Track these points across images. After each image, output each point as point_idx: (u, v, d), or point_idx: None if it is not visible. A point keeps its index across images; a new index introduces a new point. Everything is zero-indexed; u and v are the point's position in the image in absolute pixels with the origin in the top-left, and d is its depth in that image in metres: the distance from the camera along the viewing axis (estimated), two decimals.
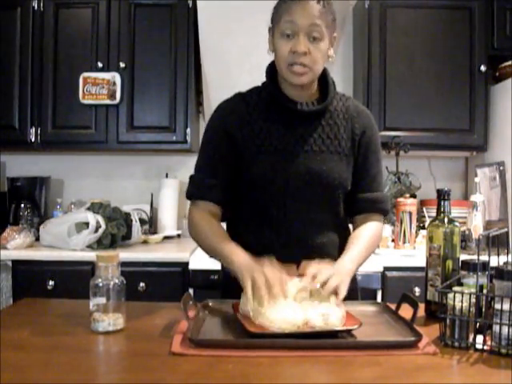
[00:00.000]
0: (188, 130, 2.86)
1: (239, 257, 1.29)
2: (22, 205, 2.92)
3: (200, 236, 1.44)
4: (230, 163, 1.45)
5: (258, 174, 1.43)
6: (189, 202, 1.51)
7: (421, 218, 2.88)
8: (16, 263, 2.50)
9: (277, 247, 1.43)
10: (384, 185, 2.82)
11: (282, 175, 1.42)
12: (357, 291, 1.58)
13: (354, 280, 1.57)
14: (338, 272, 1.25)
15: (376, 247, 1.53)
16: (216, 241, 1.38)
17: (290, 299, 1.17)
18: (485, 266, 1.15)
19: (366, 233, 1.47)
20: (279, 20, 1.36)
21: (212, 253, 1.42)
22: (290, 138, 1.43)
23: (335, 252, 1.46)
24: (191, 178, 1.49)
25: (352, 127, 1.49)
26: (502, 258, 1.15)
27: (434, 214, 1.37)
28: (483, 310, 1.10)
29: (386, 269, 2.44)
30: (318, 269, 1.24)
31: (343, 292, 1.21)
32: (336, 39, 1.42)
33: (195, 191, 1.47)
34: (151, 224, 3.07)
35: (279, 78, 1.46)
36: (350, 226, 1.57)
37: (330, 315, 1.11)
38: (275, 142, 1.43)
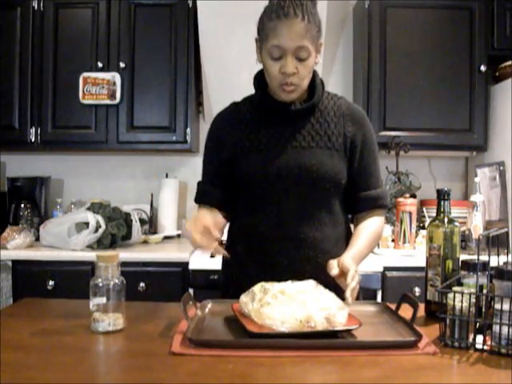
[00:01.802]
0: (188, 130, 2.86)
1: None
2: (22, 205, 2.93)
3: None
4: (227, 169, 1.51)
5: (249, 172, 1.46)
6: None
7: (421, 218, 2.88)
8: (16, 263, 2.50)
9: (271, 242, 1.45)
10: (384, 185, 2.85)
11: (272, 171, 1.44)
12: (359, 291, 1.58)
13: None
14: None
15: (378, 241, 1.57)
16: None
17: (290, 298, 1.17)
18: (485, 265, 1.15)
19: (368, 229, 1.50)
20: (266, 40, 1.38)
21: None
22: (279, 136, 1.47)
23: (331, 247, 1.47)
24: (197, 184, 1.59)
25: (344, 124, 1.50)
26: (502, 258, 1.15)
27: (433, 214, 1.37)
28: (483, 310, 1.10)
29: (386, 269, 2.44)
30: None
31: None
32: (322, 45, 1.44)
33: (199, 197, 1.58)
34: (151, 224, 3.07)
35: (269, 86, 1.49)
36: (351, 225, 1.57)
37: (335, 315, 1.11)
38: (264, 140, 1.47)
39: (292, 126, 1.48)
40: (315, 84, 1.50)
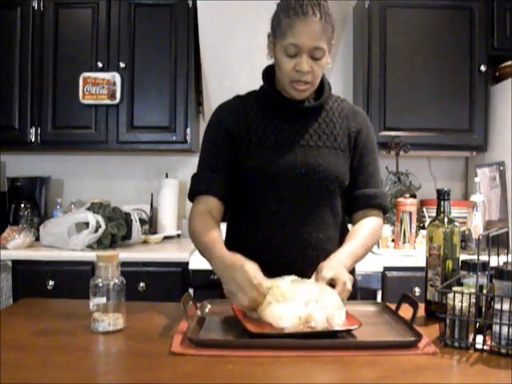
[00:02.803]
0: (188, 130, 2.86)
1: (218, 255, 1.28)
2: (22, 205, 2.92)
3: (193, 234, 1.43)
4: (230, 160, 1.47)
5: (255, 168, 1.45)
6: (188, 202, 1.52)
7: (421, 218, 2.88)
8: (16, 263, 2.50)
9: (274, 242, 1.44)
10: (384, 185, 2.85)
11: (278, 168, 1.43)
12: (356, 291, 1.58)
13: (353, 279, 1.58)
14: (335, 270, 1.26)
15: (375, 243, 1.53)
16: (203, 236, 1.38)
17: (291, 297, 1.17)
18: (485, 266, 1.15)
19: (364, 228, 1.48)
20: (282, 37, 1.37)
21: (199, 249, 1.41)
22: (286, 133, 1.46)
23: (334, 248, 1.46)
24: (193, 176, 1.51)
25: (348, 125, 1.52)
26: (502, 258, 1.15)
27: (433, 214, 1.37)
28: (483, 310, 1.10)
29: (386, 269, 2.44)
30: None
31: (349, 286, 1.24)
32: (333, 45, 1.45)
33: (197, 187, 1.48)
34: (151, 224, 3.07)
35: (276, 81, 1.48)
36: (349, 225, 1.57)
37: (333, 317, 1.11)
38: (272, 137, 1.46)
39: (299, 123, 1.48)
40: (323, 84, 1.50)
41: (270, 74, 1.50)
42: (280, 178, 1.44)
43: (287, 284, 1.20)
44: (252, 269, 1.18)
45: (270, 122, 1.47)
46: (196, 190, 1.48)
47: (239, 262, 1.20)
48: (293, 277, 1.24)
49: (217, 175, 1.46)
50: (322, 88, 1.51)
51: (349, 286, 1.24)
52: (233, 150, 1.47)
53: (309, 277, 1.27)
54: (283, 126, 1.47)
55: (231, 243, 1.52)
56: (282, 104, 1.47)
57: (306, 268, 1.40)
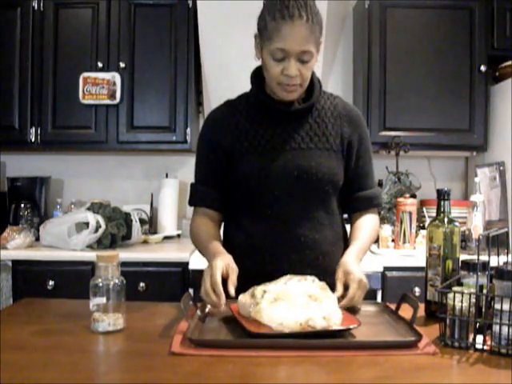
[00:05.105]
0: (188, 130, 2.86)
1: (216, 256, 1.33)
2: (22, 205, 2.92)
3: (195, 237, 1.53)
4: (220, 171, 1.51)
5: (248, 174, 1.45)
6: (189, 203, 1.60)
7: (421, 218, 2.88)
8: (16, 263, 2.50)
9: (270, 244, 1.44)
10: (384, 185, 2.85)
11: (271, 174, 1.44)
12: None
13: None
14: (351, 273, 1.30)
15: (376, 237, 1.59)
16: (205, 239, 1.47)
17: (292, 301, 1.16)
18: (485, 265, 1.15)
19: (367, 225, 1.52)
20: (269, 41, 1.35)
21: (201, 252, 1.50)
22: (277, 137, 1.46)
23: (330, 249, 1.48)
24: (190, 186, 1.59)
25: (341, 125, 1.51)
26: (502, 258, 1.15)
27: (434, 214, 1.37)
28: (483, 310, 1.10)
29: (386, 269, 2.44)
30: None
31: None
32: (322, 43, 1.43)
33: (192, 199, 1.57)
34: (151, 224, 3.07)
35: (266, 83, 1.47)
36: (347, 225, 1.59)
37: (331, 315, 1.12)
38: (263, 142, 1.46)
39: (290, 126, 1.47)
40: (313, 83, 1.49)
41: (258, 75, 1.48)
42: (273, 183, 1.44)
43: (281, 286, 1.19)
44: (216, 265, 1.26)
45: (260, 126, 1.47)
46: (194, 201, 1.57)
47: (214, 257, 1.31)
48: (288, 276, 1.24)
49: (210, 189, 1.52)
50: (312, 87, 1.49)
51: (365, 280, 1.29)
52: (223, 161, 1.50)
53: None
54: (274, 130, 1.46)
55: (228, 247, 1.50)
56: (272, 107, 1.47)
57: (304, 269, 1.40)
